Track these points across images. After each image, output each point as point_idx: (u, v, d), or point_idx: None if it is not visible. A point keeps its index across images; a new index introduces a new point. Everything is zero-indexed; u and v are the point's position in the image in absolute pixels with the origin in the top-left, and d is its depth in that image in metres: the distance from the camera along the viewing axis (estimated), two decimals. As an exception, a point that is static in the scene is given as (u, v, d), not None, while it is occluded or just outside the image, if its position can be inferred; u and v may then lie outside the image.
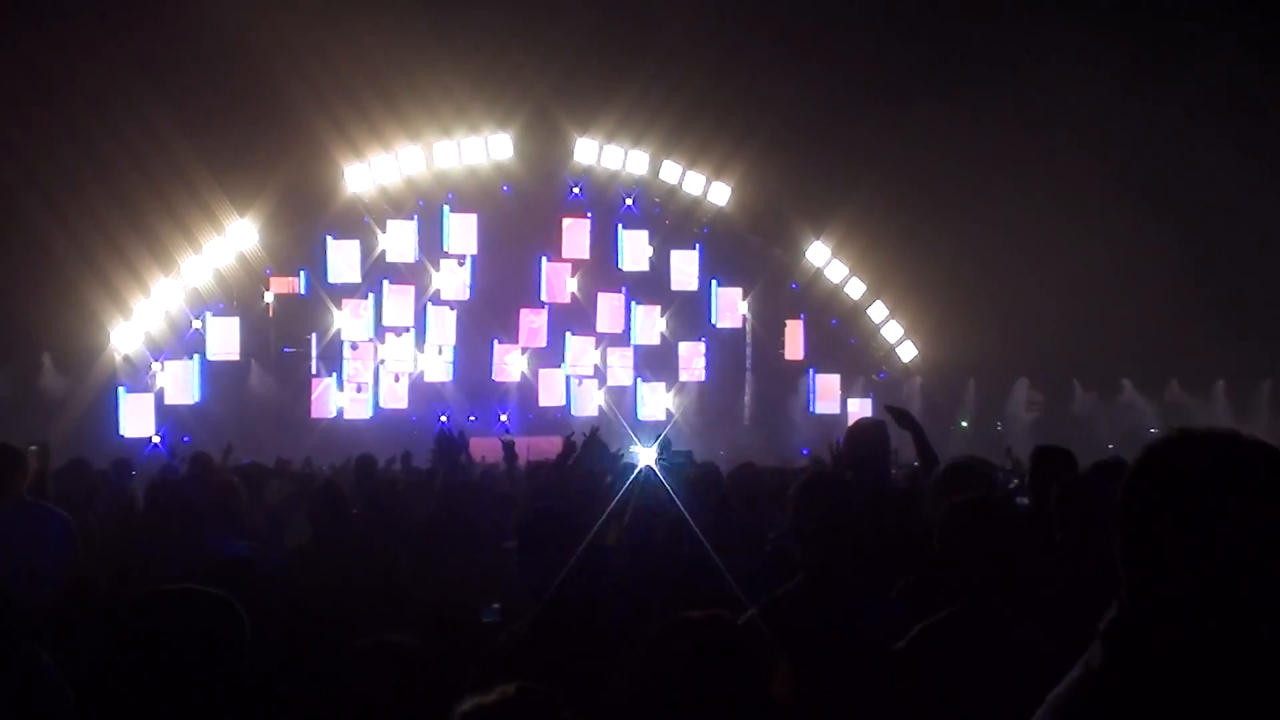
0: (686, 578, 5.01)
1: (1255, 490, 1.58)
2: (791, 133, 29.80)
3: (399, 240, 31.50)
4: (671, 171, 33.31)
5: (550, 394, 31.79)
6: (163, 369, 29.84)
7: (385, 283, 31.20)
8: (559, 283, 32.34)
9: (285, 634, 4.40)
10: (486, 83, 30.54)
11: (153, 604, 2.93)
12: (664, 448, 7.44)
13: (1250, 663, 1.55)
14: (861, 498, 5.04)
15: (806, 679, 2.71)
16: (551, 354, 32.06)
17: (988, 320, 30.06)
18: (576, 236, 32.57)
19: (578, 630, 3.53)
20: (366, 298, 31.12)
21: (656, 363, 32.97)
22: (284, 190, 29.71)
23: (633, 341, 32.77)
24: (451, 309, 31.52)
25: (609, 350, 32.53)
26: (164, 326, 29.97)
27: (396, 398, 30.93)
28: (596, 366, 32.38)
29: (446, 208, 31.76)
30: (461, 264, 31.75)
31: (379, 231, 31.47)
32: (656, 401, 32.60)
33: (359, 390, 30.93)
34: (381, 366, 31.17)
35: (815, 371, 33.74)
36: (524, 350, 31.90)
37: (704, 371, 33.29)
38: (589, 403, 31.84)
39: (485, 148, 31.98)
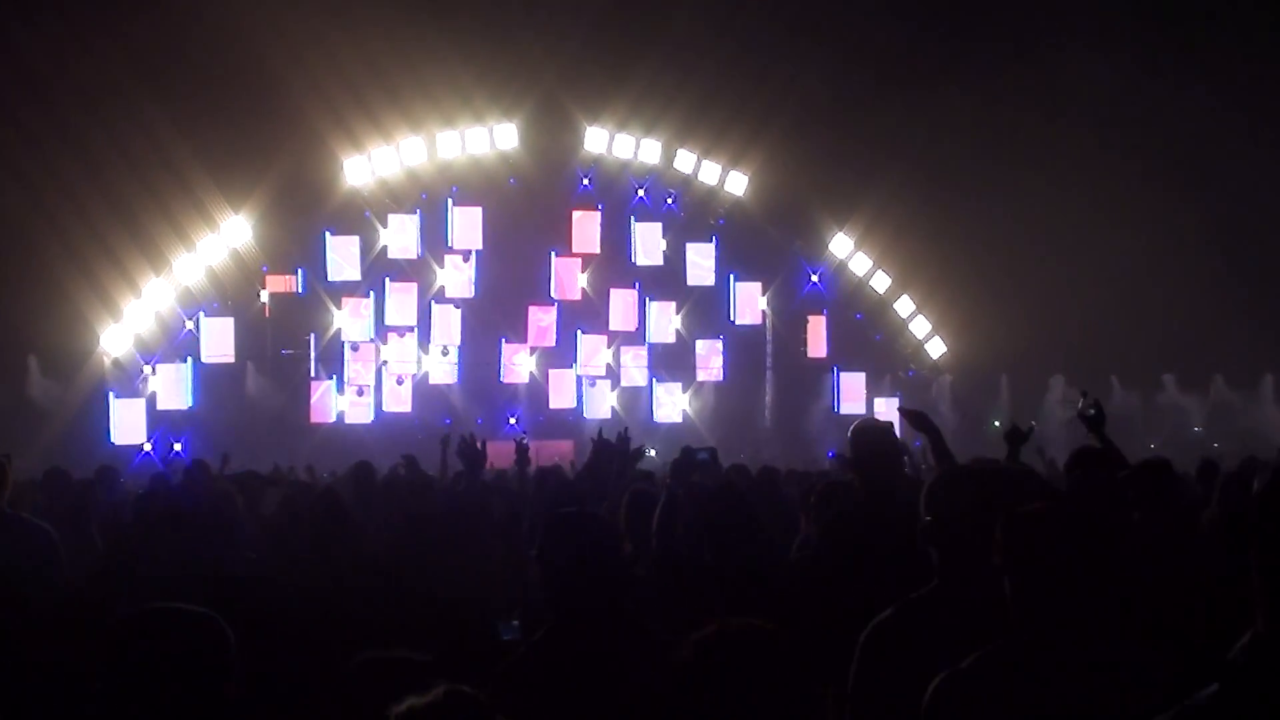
0: (709, 588, 4.95)
1: None
2: (812, 118, 29.76)
3: (401, 235, 31.51)
4: (686, 161, 33.24)
5: (561, 396, 31.77)
6: (154, 373, 29.89)
7: (387, 280, 31.21)
8: (569, 279, 32.30)
9: (281, 651, 4.35)
10: (491, 69, 30.53)
11: (134, 624, 2.93)
12: (682, 468, 7.22)
13: None
14: (865, 505, 4.98)
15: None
16: (562, 354, 32.03)
17: (1021, 314, 29.93)
18: (587, 230, 32.52)
19: (596, 644, 3.46)
20: (367, 296, 31.14)
21: (672, 362, 32.93)
22: (280, 184, 29.74)
23: (647, 340, 32.72)
24: (456, 307, 31.52)
25: (622, 349, 32.48)
26: (155, 328, 30.02)
27: (399, 401, 30.94)
28: (609, 366, 32.34)
29: (450, 201, 31.76)
30: (466, 260, 31.74)
31: (380, 226, 31.50)
32: (672, 403, 32.55)
33: (360, 393, 30.94)
34: (384, 368, 31.18)
35: (839, 370, 33.57)
36: (533, 350, 31.86)
37: (722, 371, 33.21)
38: (601, 404, 31.77)
39: (490, 138, 31.95)
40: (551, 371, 31.86)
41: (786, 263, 34.06)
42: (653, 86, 30.55)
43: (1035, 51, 28.77)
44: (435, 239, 31.65)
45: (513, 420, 30.54)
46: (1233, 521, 4.21)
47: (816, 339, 33.88)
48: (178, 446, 27.99)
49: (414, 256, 31.53)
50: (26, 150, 25.16)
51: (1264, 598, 1.60)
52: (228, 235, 30.15)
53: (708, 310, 33.17)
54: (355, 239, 31.18)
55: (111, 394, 29.14)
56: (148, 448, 28.44)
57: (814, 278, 34.16)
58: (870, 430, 5.21)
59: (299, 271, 30.95)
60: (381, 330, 31.22)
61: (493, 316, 31.43)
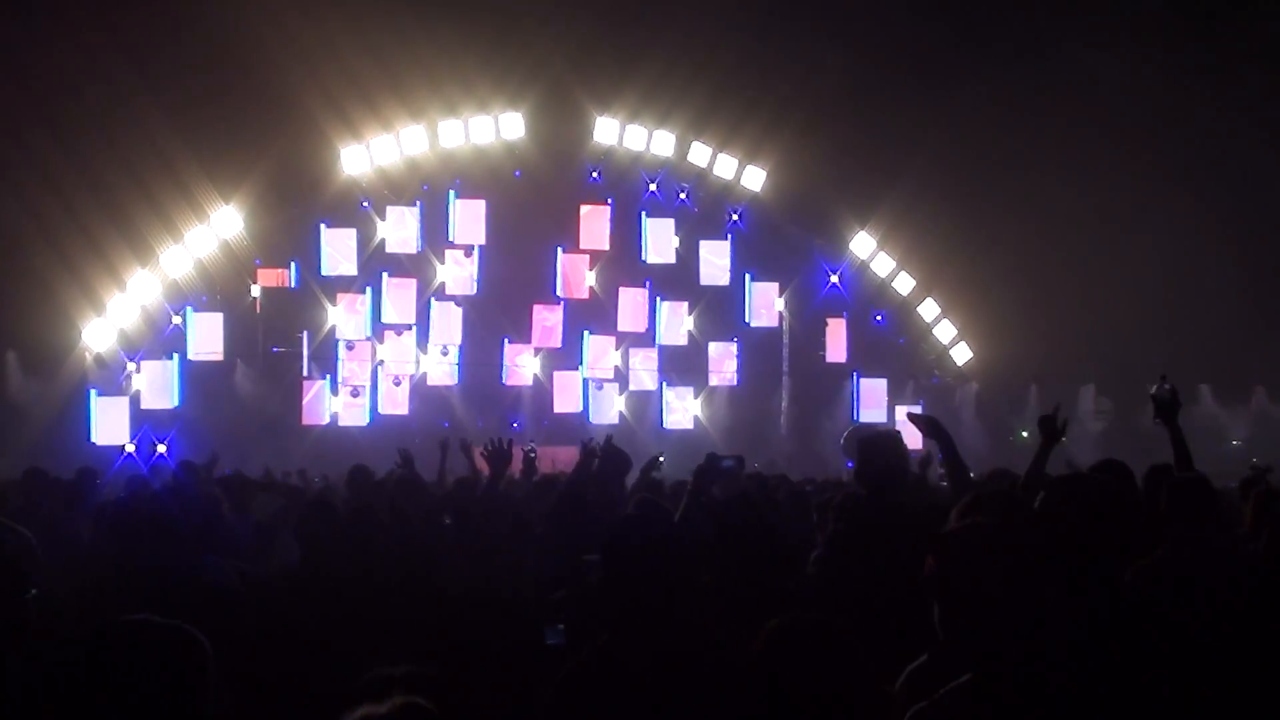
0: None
1: None
2: (832, 111, 29.69)
3: (400, 229, 31.56)
4: (701, 154, 33.18)
5: (566, 399, 31.76)
6: (138, 370, 29.93)
7: (384, 276, 31.27)
8: (576, 276, 32.31)
9: (269, 665, 4.34)
10: (497, 54, 30.49)
11: (108, 636, 2.93)
12: (705, 475, 7.05)
13: None
14: (871, 517, 4.96)
15: None
16: (567, 355, 32.06)
17: (1051, 321, 29.88)
18: (595, 225, 32.54)
19: (662, 648, 3.51)
20: (364, 292, 31.20)
21: (683, 365, 32.90)
22: (273, 173, 29.75)
23: (657, 341, 32.70)
24: (457, 305, 31.56)
25: (631, 351, 32.49)
26: (140, 323, 30.04)
27: (396, 403, 30.97)
28: (617, 369, 32.36)
29: (452, 193, 31.80)
30: (468, 255, 31.78)
31: (377, 219, 31.56)
32: (683, 408, 32.54)
33: (355, 394, 30.97)
34: (380, 368, 31.22)
35: (859, 376, 33.56)
36: (537, 351, 31.89)
37: (736, 375, 33.19)
38: (609, 409, 31.80)
39: (495, 127, 31.96)
40: (556, 374, 31.87)
41: (805, 262, 34.02)
42: (667, 75, 30.48)
43: (1067, 50, 28.75)
44: (436, 233, 31.68)
45: (515, 426, 30.47)
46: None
47: (836, 343, 33.84)
48: (162, 448, 27.99)
49: (413, 251, 31.55)
50: (6, 136, 25.19)
51: None
52: (217, 226, 30.15)
53: (722, 311, 33.15)
54: (352, 232, 31.22)
55: (93, 392, 29.20)
56: (131, 449, 28.47)
57: (834, 278, 34.09)
58: (876, 440, 5.21)
59: (292, 265, 30.97)
60: (378, 328, 31.26)
61: (495, 315, 31.45)
